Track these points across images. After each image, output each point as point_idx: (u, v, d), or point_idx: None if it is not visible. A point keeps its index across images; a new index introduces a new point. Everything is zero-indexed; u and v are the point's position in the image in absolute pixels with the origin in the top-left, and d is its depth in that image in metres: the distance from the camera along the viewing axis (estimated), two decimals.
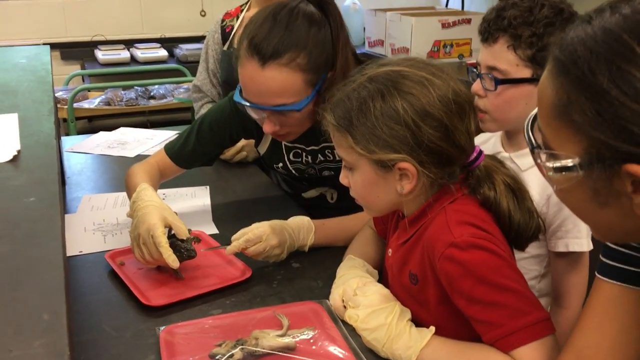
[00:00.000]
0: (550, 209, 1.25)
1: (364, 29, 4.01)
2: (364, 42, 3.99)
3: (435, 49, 3.48)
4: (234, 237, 1.23)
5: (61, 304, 0.54)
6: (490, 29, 1.21)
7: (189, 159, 1.50)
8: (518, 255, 1.44)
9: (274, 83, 1.23)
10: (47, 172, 0.89)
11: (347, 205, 1.36)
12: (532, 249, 1.40)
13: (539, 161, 0.66)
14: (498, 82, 1.19)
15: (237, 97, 1.31)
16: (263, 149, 1.54)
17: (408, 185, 0.97)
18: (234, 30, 2.06)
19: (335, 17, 1.28)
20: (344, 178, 1.06)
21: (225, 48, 2.05)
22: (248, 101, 1.28)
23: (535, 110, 0.68)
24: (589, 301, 0.81)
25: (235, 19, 2.09)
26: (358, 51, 4.03)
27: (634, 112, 0.55)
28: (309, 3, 1.27)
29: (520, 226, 1.00)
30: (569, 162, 0.61)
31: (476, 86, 1.25)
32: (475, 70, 1.27)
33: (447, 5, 4.29)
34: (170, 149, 1.48)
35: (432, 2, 4.53)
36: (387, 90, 0.95)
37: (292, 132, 1.35)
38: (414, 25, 3.43)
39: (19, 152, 0.97)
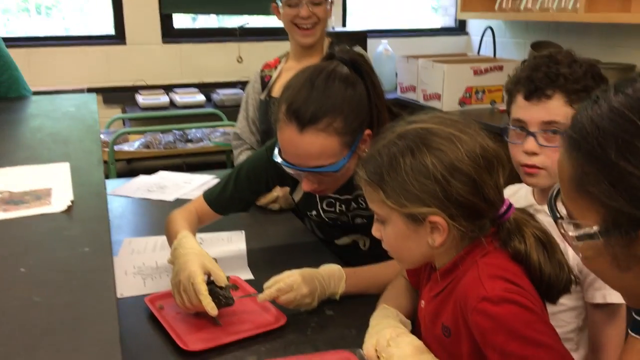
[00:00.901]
0: None
1: (396, 74, 4.08)
2: (396, 88, 4.06)
3: (468, 95, 3.53)
4: (266, 285, 1.27)
5: (115, 351, 0.58)
6: (542, 87, 1.24)
7: (227, 206, 1.55)
8: (556, 308, 1.45)
9: (312, 147, 1.28)
10: (98, 222, 0.94)
11: (379, 252, 1.38)
12: (570, 301, 1.40)
13: (562, 231, 0.69)
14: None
15: (276, 158, 1.36)
16: (297, 197, 1.59)
17: (439, 238, 1.00)
18: (272, 80, 2.14)
19: (368, 75, 1.34)
20: (376, 231, 1.10)
21: (262, 97, 2.12)
22: (287, 162, 1.34)
23: (558, 185, 0.71)
24: (621, 358, 0.81)
25: (274, 69, 2.18)
26: (390, 96, 4.11)
27: None
28: (344, 65, 1.33)
29: (552, 279, 1.02)
30: (589, 231, 0.65)
31: (530, 144, 1.27)
32: (522, 129, 1.29)
33: (479, 52, 4.35)
34: (209, 196, 1.54)
35: (464, 49, 4.60)
36: (416, 146, 0.99)
37: (329, 188, 1.41)
38: (445, 71, 3.48)
39: (72, 202, 1.03)
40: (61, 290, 0.73)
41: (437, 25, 4.75)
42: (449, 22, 4.71)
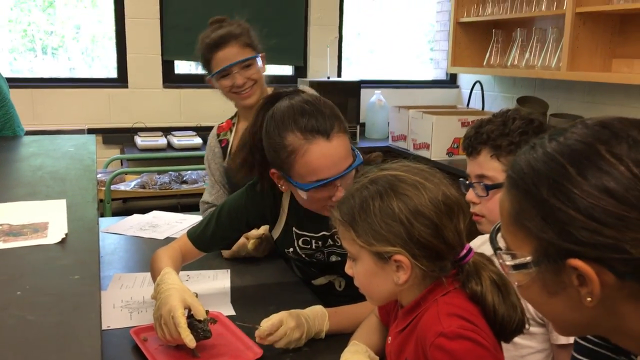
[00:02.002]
0: None
1: (388, 124, 4.22)
2: (388, 137, 4.20)
3: (455, 145, 3.65)
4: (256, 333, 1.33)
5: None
6: (473, 144, 1.39)
7: (209, 243, 1.64)
8: (524, 350, 1.53)
9: (342, 148, 1.41)
10: (89, 254, 1.04)
11: (354, 293, 1.47)
12: (537, 343, 1.48)
13: (500, 261, 0.78)
14: (489, 187, 1.34)
15: (305, 188, 1.42)
16: (276, 233, 1.68)
17: (403, 276, 1.09)
18: (231, 143, 2.17)
19: None
20: (348, 269, 1.19)
21: (225, 164, 2.16)
22: (324, 179, 1.40)
23: (499, 222, 0.81)
24: None
25: (228, 132, 2.21)
26: (382, 144, 4.22)
27: (570, 217, 0.67)
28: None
29: (505, 319, 1.10)
30: (523, 260, 0.73)
31: (470, 195, 1.42)
32: (465, 181, 1.43)
33: (468, 104, 4.51)
34: (192, 235, 1.63)
35: (455, 102, 4.76)
36: (385, 191, 1.10)
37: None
38: (434, 123, 3.62)
39: (66, 234, 1.13)
40: (52, 311, 0.82)
41: (430, 77, 4.93)
42: (441, 75, 4.88)
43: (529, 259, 0.72)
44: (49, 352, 0.72)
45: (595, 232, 0.65)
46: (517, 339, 1.16)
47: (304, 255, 1.66)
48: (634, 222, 0.64)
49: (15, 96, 2.44)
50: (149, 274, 1.76)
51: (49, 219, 1.22)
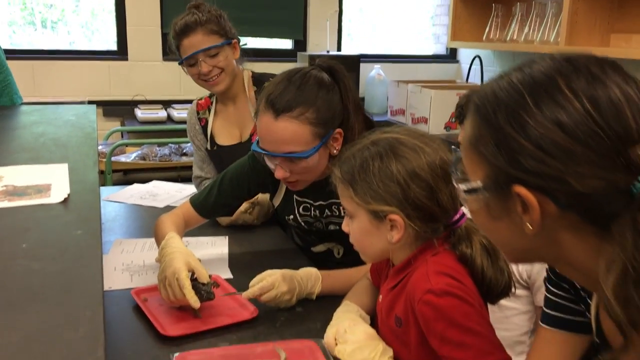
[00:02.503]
0: (534, 267, 1.39)
1: (388, 98, 4.24)
2: (387, 111, 4.22)
3: (453, 119, 3.68)
4: (250, 283, 1.39)
5: (99, 304, 0.72)
6: (464, 112, 1.41)
7: (211, 210, 1.68)
8: (509, 312, 1.58)
9: (285, 132, 1.42)
10: (91, 212, 1.08)
11: (352, 260, 1.52)
12: (521, 305, 1.53)
13: (455, 185, 0.81)
14: None
15: (254, 147, 1.50)
16: (277, 201, 1.72)
17: (397, 235, 1.14)
18: (210, 126, 2.18)
19: (343, 83, 1.48)
20: (345, 226, 1.24)
21: (208, 147, 2.18)
22: (263, 150, 1.47)
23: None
24: (533, 347, 0.93)
25: (207, 111, 2.21)
26: (380, 119, 4.24)
27: (521, 145, 0.69)
28: (321, 70, 1.48)
29: (492, 282, 1.14)
30: (474, 185, 0.76)
31: None
32: (457, 148, 1.46)
33: (467, 79, 4.52)
34: (195, 201, 1.67)
35: (454, 76, 4.77)
36: (385, 152, 1.14)
37: (301, 180, 1.53)
38: (433, 97, 3.64)
39: (69, 195, 1.17)
40: (56, 262, 0.86)
41: (430, 52, 4.93)
42: (441, 50, 4.88)
43: (480, 184, 0.76)
44: (54, 296, 0.77)
45: (542, 162, 0.67)
46: (502, 301, 1.21)
47: (303, 224, 1.71)
48: (580, 156, 0.65)
49: (16, 68, 2.46)
50: (149, 239, 1.81)
51: (51, 181, 1.26)
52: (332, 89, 1.47)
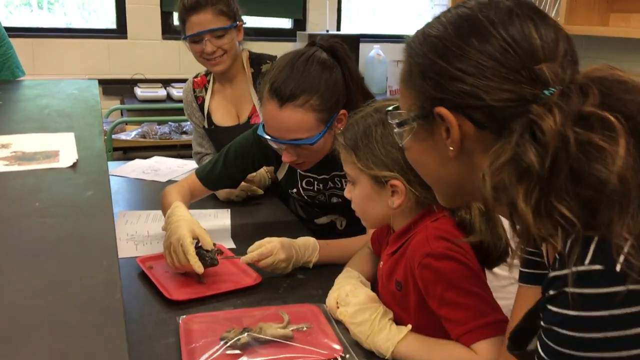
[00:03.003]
0: None
1: (387, 78, 4.25)
2: (386, 91, 4.23)
3: None
4: (249, 249, 1.42)
5: (113, 255, 0.75)
6: None
7: (216, 182, 1.71)
8: (505, 281, 1.61)
9: (290, 121, 1.44)
10: (100, 175, 1.11)
11: (355, 232, 1.56)
12: (516, 274, 1.56)
13: (390, 122, 0.88)
14: None
15: (260, 131, 1.52)
16: (281, 174, 1.75)
17: (397, 200, 1.17)
18: (207, 105, 2.18)
19: (345, 61, 1.50)
20: (347, 192, 1.27)
21: (206, 125, 2.20)
22: (269, 135, 1.49)
23: None
24: (514, 306, 0.97)
25: (204, 89, 2.21)
26: (379, 99, 4.23)
27: (442, 69, 0.76)
28: (323, 50, 1.50)
29: (490, 247, 1.18)
30: (404, 117, 0.83)
31: None
32: None
33: None
34: (200, 173, 1.70)
35: None
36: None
37: (307, 162, 1.56)
38: None
39: (77, 160, 1.19)
40: (69, 219, 0.89)
41: None
42: None
43: (409, 114, 0.82)
44: (69, 248, 0.80)
45: (459, 80, 0.74)
46: (498, 270, 1.24)
47: (306, 197, 1.73)
48: (491, 71, 0.72)
49: (15, 46, 2.45)
50: (152, 211, 1.84)
51: (59, 147, 1.29)
52: (334, 69, 1.49)
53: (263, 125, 1.52)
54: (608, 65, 0.72)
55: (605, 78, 0.70)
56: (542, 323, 0.70)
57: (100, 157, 1.22)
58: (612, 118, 0.67)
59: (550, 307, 0.68)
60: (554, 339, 0.68)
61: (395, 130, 0.87)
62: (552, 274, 0.69)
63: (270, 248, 1.40)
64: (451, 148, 0.78)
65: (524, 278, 0.94)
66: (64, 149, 1.27)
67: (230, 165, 1.69)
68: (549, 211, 0.68)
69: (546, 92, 0.70)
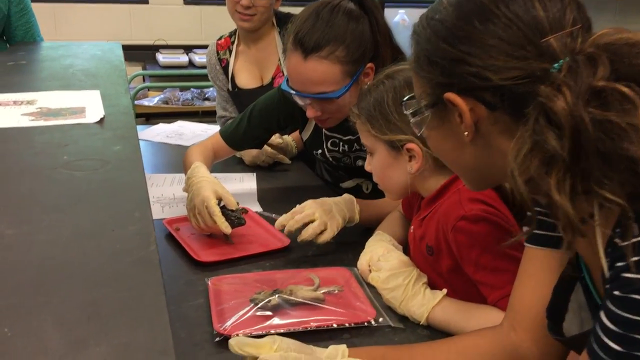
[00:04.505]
0: None
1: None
2: None
3: None
4: (289, 216, 1.32)
5: (146, 207, 0.72)
6: None
7: (241, 142, 1.67)
8: None
9: (314, 74, 1.38)
10: (128, 131, 1.07)
11: (381, 196, 1.50)
12: None
13: (405, 112, 0.84)
14: None
15: (284, 86, 1.47)
16: (306, 135, 1.70)
17: (415, 165, 1.14)
18: (231, 68, 2.13)
19: (372, 12, 1.43)
20: (367, 164, 1.24)
21: (230, 88, 2.15)
22: (293, 89, 1.44)
23: None
24: (520, 268, 0.93)
25: (227, 51, 2.16)
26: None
27: (447, 52, 0.72)
28: (350, 1, 1.43)
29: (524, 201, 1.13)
30: (417, 106, 0.80)
31: None
32: None
33: None
34: (224, 132, 1.67)
35: None
36: (399, 84, 1.15)
37: (333, 118, 1.50)
38: None
39: (104, 116, 1.16)
40: (99, 172, 0.86)
41: None
42: None
43: (422, 102, 0.79)
44: (100, 199, 0.77)
45: (464, 63, 0.71)
46: None
47: (331, 159, 1.69)
48: (495, 49, 0.69)
49: (37, 11, 2.43)
50: (177, 174, 1.81)
51: (85, 104, 1.26)
52: (361, 20, 1.42)
53: (287, 80, 1.48)
54: (615, 29, 0.68)
55: (614, 43, 0.66)
56: (614, 293, 0.65)
57: (128, 113, 1.18)
58: (626, 90, 0.62)
59: (628, 275, 0.64)
60: (634, 308, 0.63)
61: (411, 120, 0.84)
62: (633, 240, 0.64)
63: (308, 213, 1.32)
64: (466, 133, 0.75)
65: (530, 239, 0.89)
66: (90, 105, 1.24)
67: (255, 125, 1.65)
68: (587, 195, 0.65)
69: (556, 65, 0.66)
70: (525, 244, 0.92)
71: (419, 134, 0.85)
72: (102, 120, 1.13)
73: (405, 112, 0.85)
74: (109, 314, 0.55)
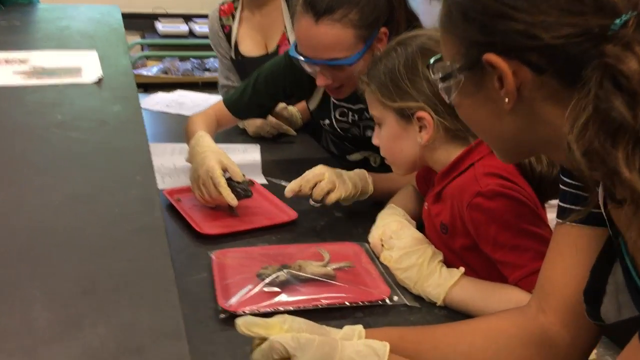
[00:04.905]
0: None
1: (418, 16, 4.06)
2: None
3: None
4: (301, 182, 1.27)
5: (149, 170, 0.64)
6: None
7: (245, 110, 1.60)
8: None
9: (326, 38, 1.30)
10: (128, 91, 1.00)
11: (389, 170, 1.43)
12: None
13: (432, 77, 0.75)
14: None
15: (292, 52, 1.39)
16: (313, 104, 1.62)
17: (426, 135, 1.07)
18: (234, 34, 2.05)
19: None
20: (375, 138, 1.17)
21: (233, 56, 2.06)
22: (302, 55, 1.36)
23: None
24: (550, 247, 0.85)
25: (231, 18, 2.07)
26: None
27: (486, 7, 0.64)
28: None
29: (543, 175, 1.06)
30: (448, 69, 0.71)
31: None
32: None
33: None
34: (228, 100, 1.59)
35: None
36: (411, 50, 1.08)
37: (344, 86, 1.42)
38: None
39: (102, 77, 1.08)
40: (96, 132, 0.79)
41: None
42: None
43: (453, 66, 0.70)
44: (97, 162, 0.70)
45: (509, 18, 0.62)
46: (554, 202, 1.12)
47: (339, 129, 1.62)
48: (545, 3, 0.61)
49: None
50: (178, 144, 1.74)
51: (81, 64, 1.18)
52: None
53: (295, 46, 1.39)
54: None
55: None
56: None
57: (127, 74, 1.11)
58: None
59: None
60: None
61: (440, 86, 0.75)
62: None
63: (317, 172, 1.27)
64: (506, 100, 0.66)
65: (564, 214, 0.81)
66: (86, 65, 1.16)
67: (260, 92, 1.57)
68: None
69: (617, 21, 0.58)
70: (557, 220, 0.84)
71: (448, 101, 0.77)
72: (100, 81, 1.05)
73: (432, 76, 0.76)
74: (107, 288, 0.48)
